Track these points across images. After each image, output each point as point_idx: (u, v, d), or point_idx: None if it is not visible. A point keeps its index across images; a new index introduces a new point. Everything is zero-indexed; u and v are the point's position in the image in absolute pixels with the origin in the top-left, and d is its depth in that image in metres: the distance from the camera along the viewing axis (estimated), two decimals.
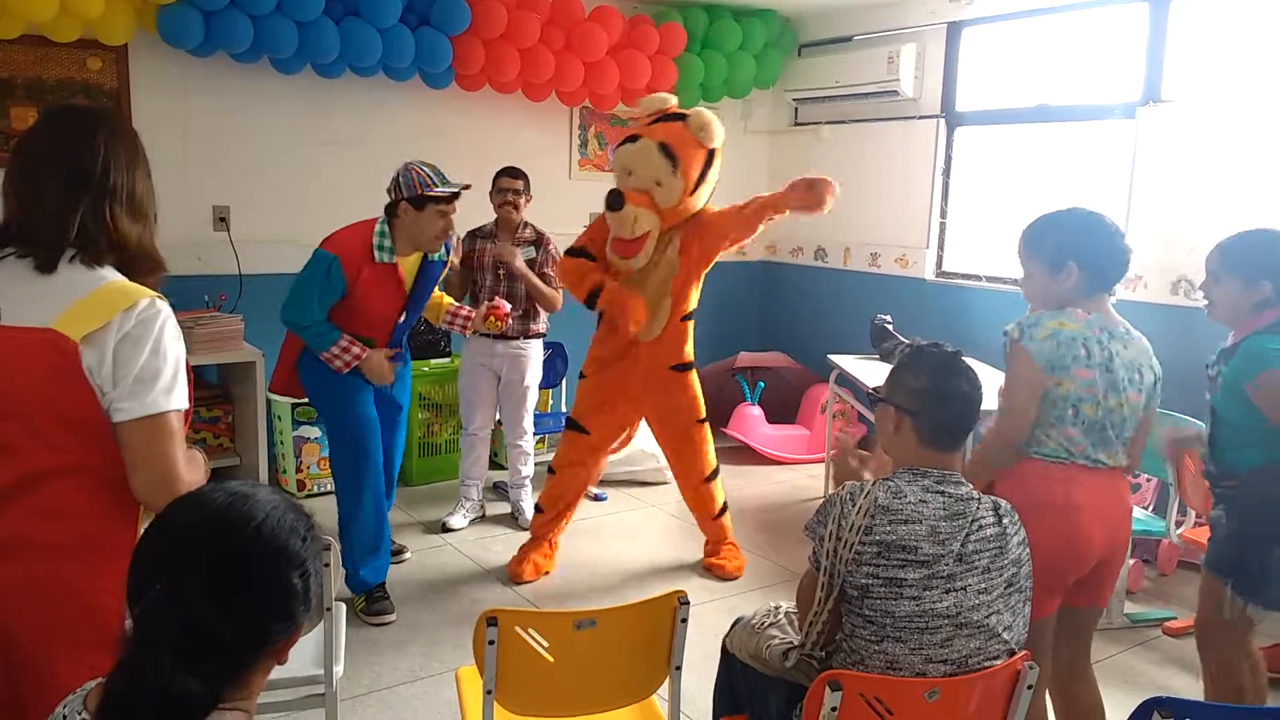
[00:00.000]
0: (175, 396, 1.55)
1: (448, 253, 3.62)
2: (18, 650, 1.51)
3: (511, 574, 3.94)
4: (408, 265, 3.45)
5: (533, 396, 4.53)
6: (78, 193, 1.54)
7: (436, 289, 3.79)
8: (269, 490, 1.18)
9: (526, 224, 4.39)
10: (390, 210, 3.37)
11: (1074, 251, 2.33)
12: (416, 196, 3.30)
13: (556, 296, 4.34)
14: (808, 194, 3.59)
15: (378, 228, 3.35)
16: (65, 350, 1.48)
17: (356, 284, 3.29)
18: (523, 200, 4.32)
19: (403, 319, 3.52)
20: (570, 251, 3.89)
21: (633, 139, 3.64)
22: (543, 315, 4.44)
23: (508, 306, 4.02)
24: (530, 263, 4.30)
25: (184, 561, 1.08)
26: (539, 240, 4.38)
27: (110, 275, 1.56)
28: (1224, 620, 2.51)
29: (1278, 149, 4.03)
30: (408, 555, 4.12)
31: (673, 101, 3.81)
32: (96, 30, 3.99)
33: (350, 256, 3.28)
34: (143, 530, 1.17)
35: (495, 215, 4.38)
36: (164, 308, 1.56)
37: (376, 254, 3.32)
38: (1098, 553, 2.28)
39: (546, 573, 3.98)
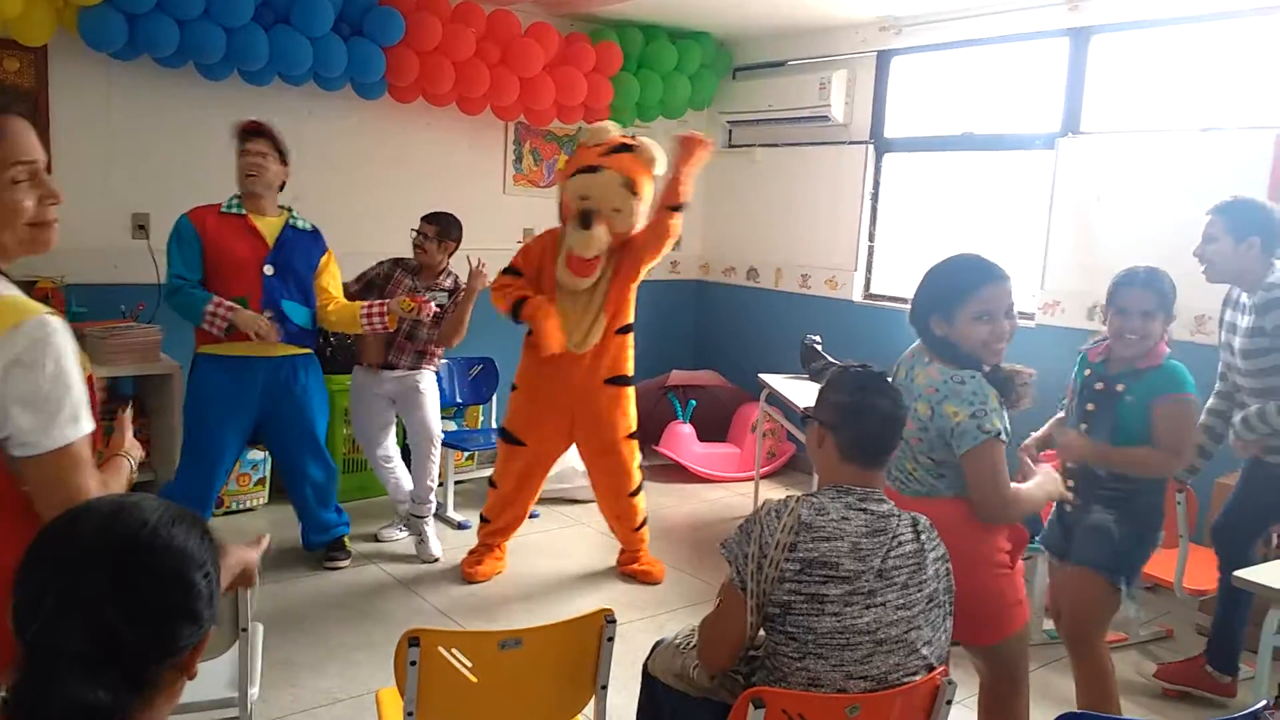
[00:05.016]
0: (81, 423, 1.44)
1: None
2: None
3: (466, 575, 4.05)
4: (266, 225, 3.72)
5: (433, 405, 4.34)
6: None
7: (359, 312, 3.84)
8: (152, 498, 1.12)
9: (450, 273, 4.30)
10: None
11: None
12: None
13: (458, 338, 4.29)
14: (683, 156, 3.82)
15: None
16: None
17: (207, 232, 3.61)
18: (433, 246, 4.19)
19: (272, 272, 3.68)
20: (506, 270, 3.96)
21: (594, 169, 3.77)
22: (439, 352, 4.37)
23: (428, 299, 3.99)
24: (440, 309, 4.22)
25: (79, 567, 1.03)
26: (454, 291, 4.28)
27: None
28: (1102, 620, 2.73)
29: (1189, 181, 4.20)
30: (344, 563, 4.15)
31: (618, 132, 3.96)
32: (14, 30, 3.86)
33: (197, 214, 3.64)
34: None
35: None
36: (53, 322, 1.43)
37: (224, 208, 3.68)
38: None
39: (499, 573, 4.13)
